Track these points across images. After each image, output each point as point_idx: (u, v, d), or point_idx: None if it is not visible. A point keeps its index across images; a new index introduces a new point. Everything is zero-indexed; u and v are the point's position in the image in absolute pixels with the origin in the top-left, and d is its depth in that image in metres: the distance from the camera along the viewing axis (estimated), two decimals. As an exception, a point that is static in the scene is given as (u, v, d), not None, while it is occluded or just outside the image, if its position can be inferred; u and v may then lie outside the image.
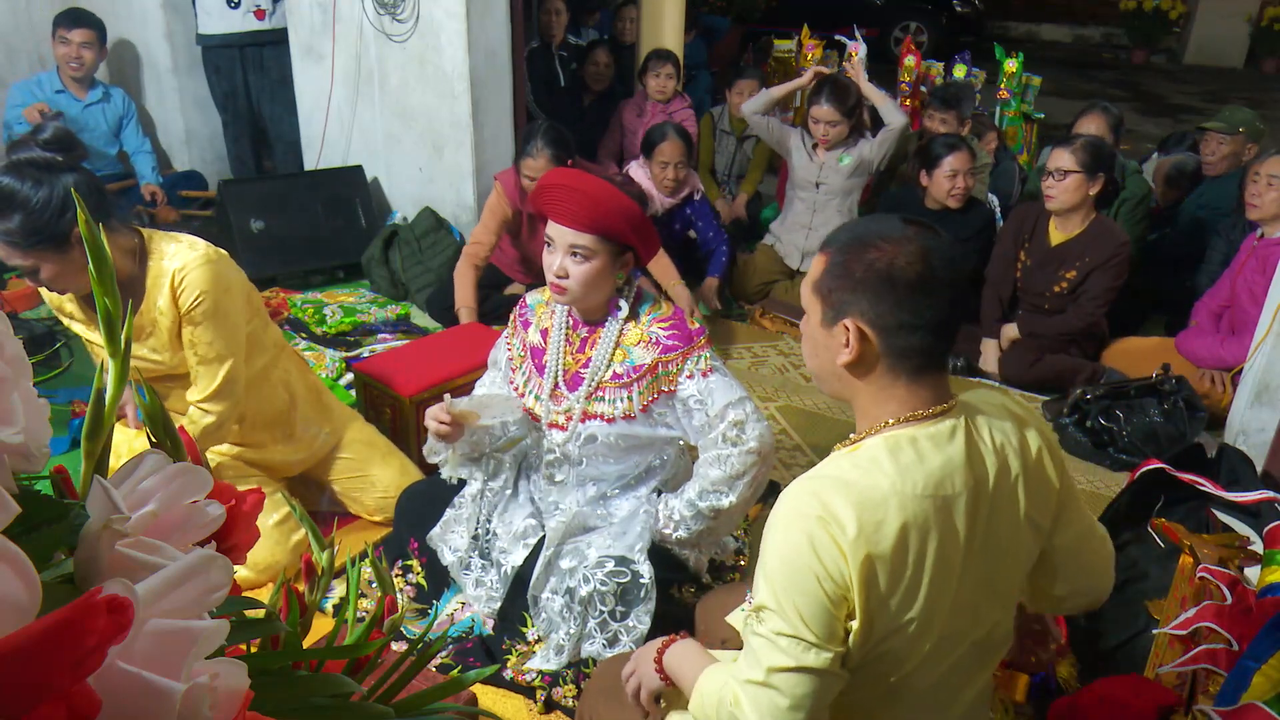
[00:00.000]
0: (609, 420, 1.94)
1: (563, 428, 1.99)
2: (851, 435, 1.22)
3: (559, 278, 1.86)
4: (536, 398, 2.02)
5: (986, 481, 1.16)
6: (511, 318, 2.13)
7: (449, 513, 2.16)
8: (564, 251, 1.85)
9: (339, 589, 2.21)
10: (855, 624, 1.10)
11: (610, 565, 1.93)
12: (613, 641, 1.94)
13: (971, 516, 1.14)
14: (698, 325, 1.96)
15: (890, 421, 1.17)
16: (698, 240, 4.13)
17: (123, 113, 4.44)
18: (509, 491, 2.15)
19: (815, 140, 4.03)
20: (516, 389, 2.07)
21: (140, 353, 2.06)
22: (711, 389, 1.88)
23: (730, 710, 1.15)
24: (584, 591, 1.93)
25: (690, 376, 1.89)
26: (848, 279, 1.16)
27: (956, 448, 1.15)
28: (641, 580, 1.93)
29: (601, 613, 1.94)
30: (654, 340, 1.92)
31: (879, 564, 1.08)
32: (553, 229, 1.87)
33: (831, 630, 1.09)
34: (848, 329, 1.16)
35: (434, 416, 1.95)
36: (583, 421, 1.97)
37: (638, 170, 3.99)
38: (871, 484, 1.10)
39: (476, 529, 2.13)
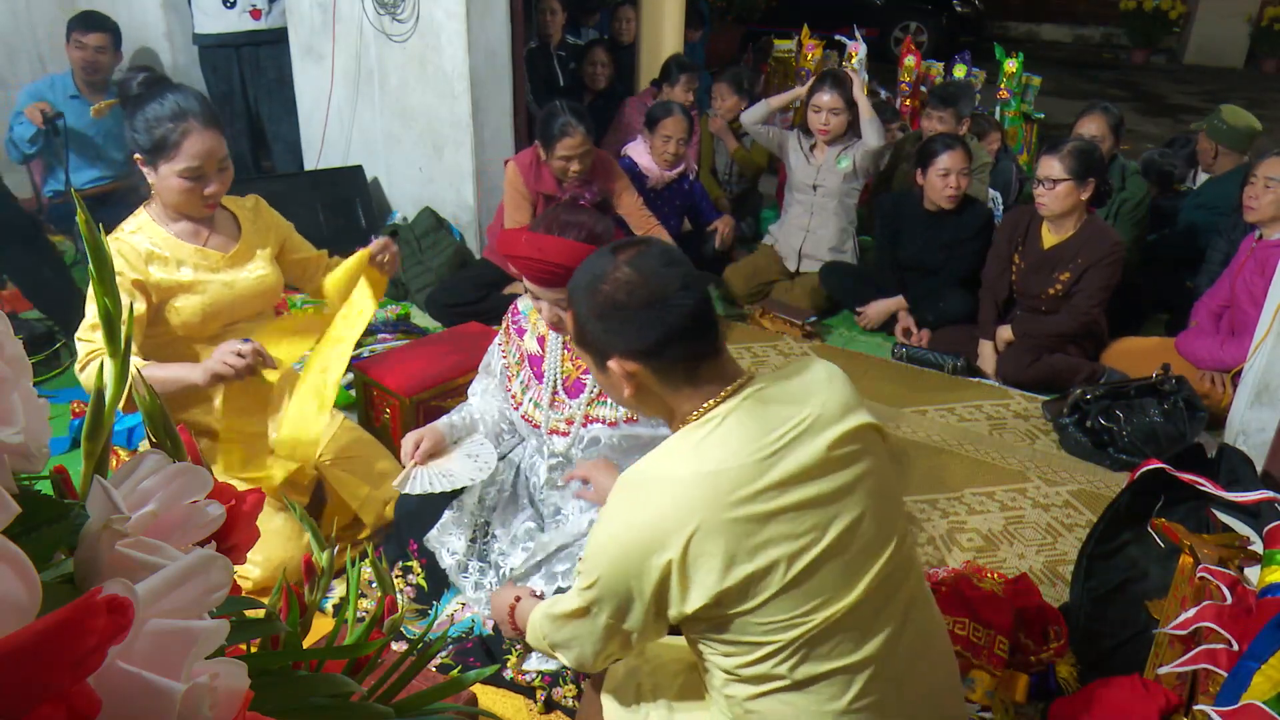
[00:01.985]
0: (611, 424, 1.96)
1: (564, 433, 2.01)
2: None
3: (553, 323, 1.91)
4: (535, 404, 2.03)
5: (796, 435, 1.22)
6: (504, 325, 2.13)
7: (447, 514, 2.16)
8: (549, 305, 1.89)
9: (339, 589, 2.20)
10: (683, 598, 1.18)
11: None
12: None
13: (790, 470, 1.19)
14: None
15: (689, 417, 1.26)
16: (701, 220, 4.28)
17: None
18: (507, 494, 2.15)
19: (814, 139, 4.03)
20: (514, 395, 2.08)
21: (255, 272, 2.27)
22: None
23: (543, 632, 1.39)
24: None
25: None
26: (593, 324, 1.26)
27: (751, 417, 1.22)
28: None
29: None
30: None
31: (690, 545, 1.15)
32: (532, 287, 1.89)
33: (645, 611, 1.21)
34: (615, 368, 1.26)
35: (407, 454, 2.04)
36: (584, 425, 1.98)
37: (638, 147, 4.07)
38: (672, 475, 1.20)
39: (475, 531, 2.13)
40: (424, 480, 2.00)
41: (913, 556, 1.33)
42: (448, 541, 2.14)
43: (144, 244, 2.13)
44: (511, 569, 2.05)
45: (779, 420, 1.22)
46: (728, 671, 1.25)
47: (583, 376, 1.99)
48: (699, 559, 1.16)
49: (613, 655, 1.34)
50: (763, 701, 1.23)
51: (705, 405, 1.25)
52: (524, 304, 2.12)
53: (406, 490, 2.00)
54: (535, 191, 3.54)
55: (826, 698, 1.21)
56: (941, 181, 3.65)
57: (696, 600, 1.17)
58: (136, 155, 2.09)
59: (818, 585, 1.19)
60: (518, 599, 1.65)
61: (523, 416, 2.06)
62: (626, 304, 1.23)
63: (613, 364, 1.26)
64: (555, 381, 2.01)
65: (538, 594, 1.76)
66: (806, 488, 1.20)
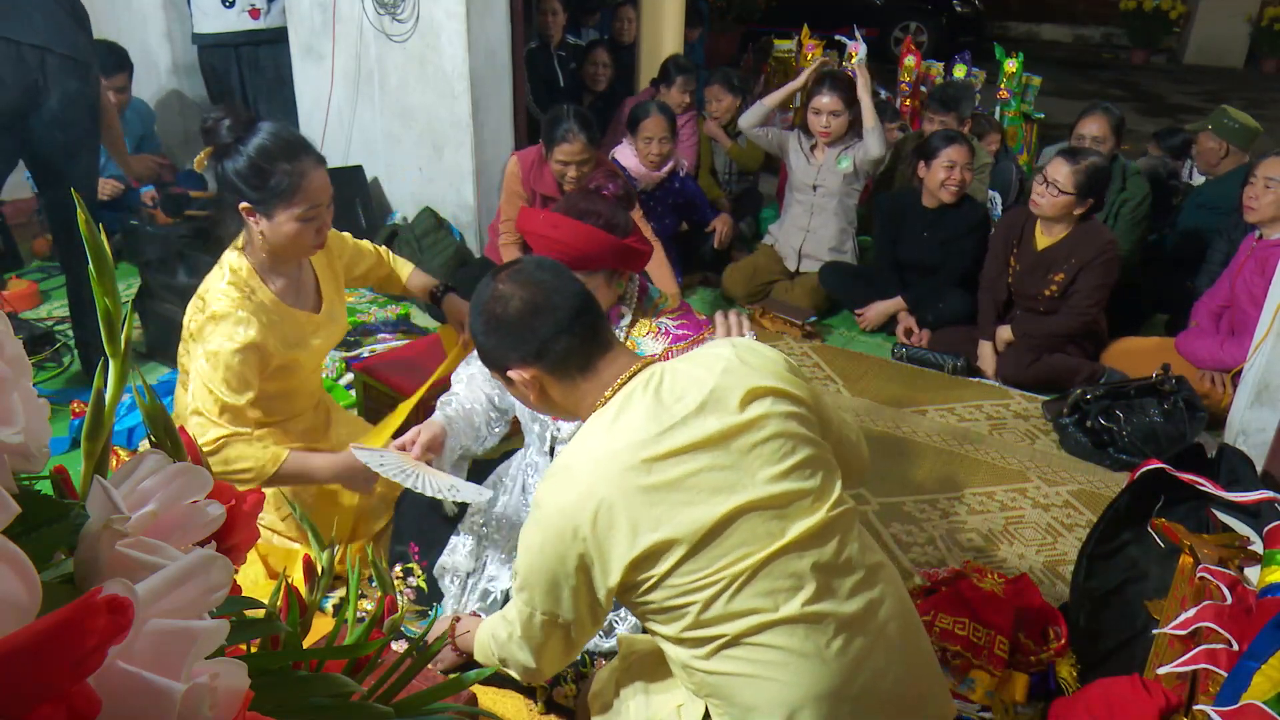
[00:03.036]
0: None
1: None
2: None
3: None
4: None
5: (697, 408, 1.26)
6: None
7: (454, 540, 2.15)
8: None
9: (339, 589, 2.20)
10: (604, 571, 1.24)
11: None
12: (608, 631, 1.95)
13: (697, 437, 1.24)
14: (704, 316, 1.98)
15: (595, 406, 1.33)
16: (697, 219, 4.29)
17: (142, 132, 4.47)
18: (512, 517, 2.16)
19: (814, 139, 4.03)
20: None
21: (335, 329, 2.24)
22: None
23: (489, 646, 1.45)
24: None
25: None
26: (487, 341, 1.38)
27: (648, 399, 1.28)
28: None
29: None
30: (664, 330, 1.96)
31: (597, 521, 1.21)
32: None
33: (572, 596, 1.27)
34: (514, 377, 1.37)
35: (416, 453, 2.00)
36: None
37: (624, 149, 4.05)
38: (573, 462, 1.27)
39: (479, 555, 2.13)
40: (430, 485, 1.96)
41: (848, 516, 1.33)
42: (457, 563, 2.13)
43: (264, 308, 2.00)
44: (503, 590, 2.05)
45: (680, 393, 1.28)
46: (674, 640, 1.29)
47: None
48: (609, 531, 1.22)
49: (556, 657, 1.38)
50: (713, 662, 1.26)
51: (605, 395, 1.32)
52: None
53: (410, 486, 1.95)
54: (533, 190, 3.55)
55: (769, 650, 1.23)
56: (945, 174, 3.65)
57: (615, 573, 1.23)
58: (244, 205, 1.94)
59: (731, 543, 1.22)
60: (456, 619, 1.74)
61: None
62: (506, 315, 1.35)
63: (512, 374, 1.37)
64: None
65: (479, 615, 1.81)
66: (702, 456, 1.24)
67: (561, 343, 1.33)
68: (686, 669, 1.31)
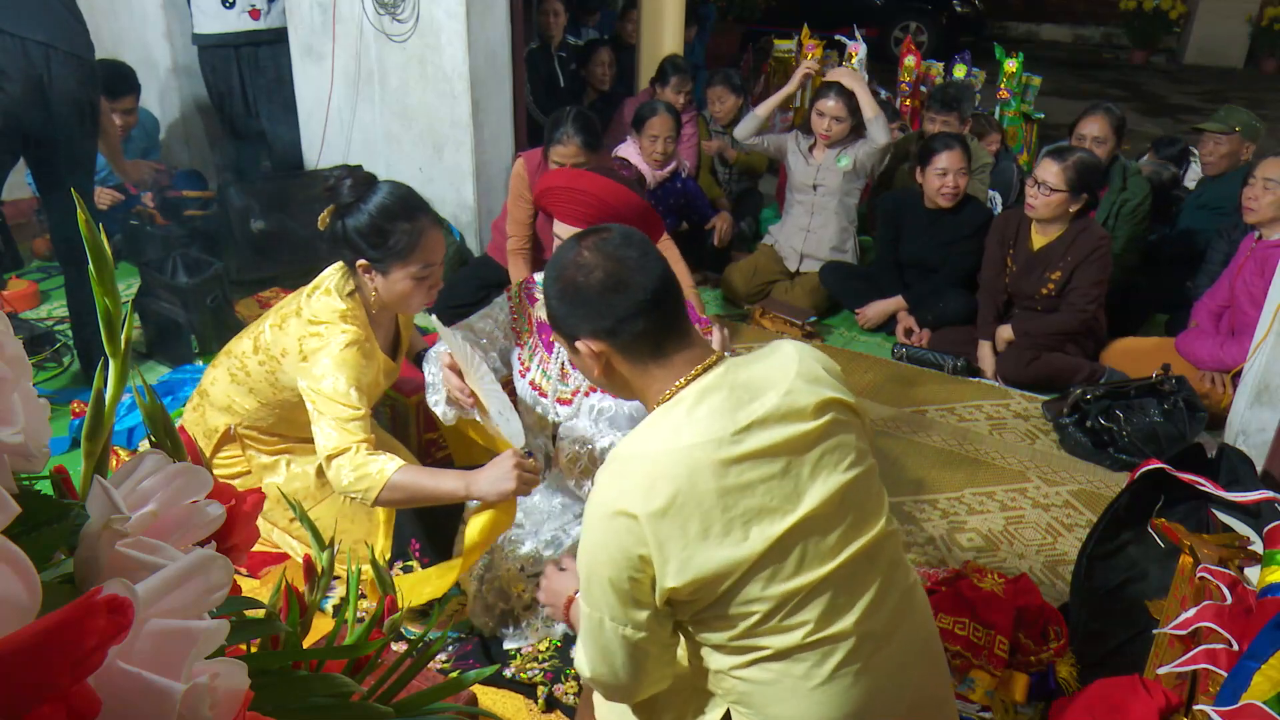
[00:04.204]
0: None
1: (568, 402, 2.03)
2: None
3: None
4: (544, 373, 2.05)
5: (770, 411, 1.22)
6: (517, 290, 2.15)
7: (462, 529, 2.16)
8: None
9: (339, 589, 2.20)
10: (664, 571, 1.17)
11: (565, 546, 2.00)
12: None
13: (765, 443, 1.21)
14: (706, 316, 1.99)
15: (664, 396, 1.29)
16: (696, 218, 4.31)
17: (145, 145, 4.47)
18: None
19: (814, 139, 4.03)
20: (522, 361, 2.09)
21: (399, 367, 2.28)
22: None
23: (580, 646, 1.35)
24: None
25: None
26: (560, 309, 1.33)
27: (725, 394, 1.23)
28: None
29: None
30: None
31: (666, 519, 1.16)
32: (560, 228, 1.91)
33: (635, 601, 1.20)
34: (583, 349, 1.32)
35: (448, 381, 1.93)
36: (587, 395, 2.00)
37: (627, 148, 4.07)
38: (645, 451, 1.22)
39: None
40: (496, 400, 1.89)
41: (896, 536, 1.32)
42: None
43: (367, 345, 2.04)
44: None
45: (750, 396, 1.24)
46: (715, 647, 1.26)
47: None
48: (679, 528, 1.17)
49: (640, 672, 1.26)
50: (750, 670, 1.24)
51: (676, 384, 1.28)
52: (540, 275, 2.14)
53: (484, 388, 1.88)
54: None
55: (810, 664, 1.22)
56: (939, 181, 3.66)
57: (675, 576, 1.17)
58: (361, 262, 1.98)
59: (795, 558, 1.20)
60: (576, 593, 1.59)
61: (530, 383, 2.07)
62: (586, 285, 1.29)
63: (580, 345, 1.32)
64: (564, 356, 2.03)
65: None
66: (777, 461, 1.21)
67: (638, 324, 1.28)
68: (718, 674, 1.28)
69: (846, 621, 1.22)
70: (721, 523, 1.17)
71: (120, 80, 4.14)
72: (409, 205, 1.98)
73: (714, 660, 1.27)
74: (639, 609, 1.21)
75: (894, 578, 1.29)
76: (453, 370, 1.94)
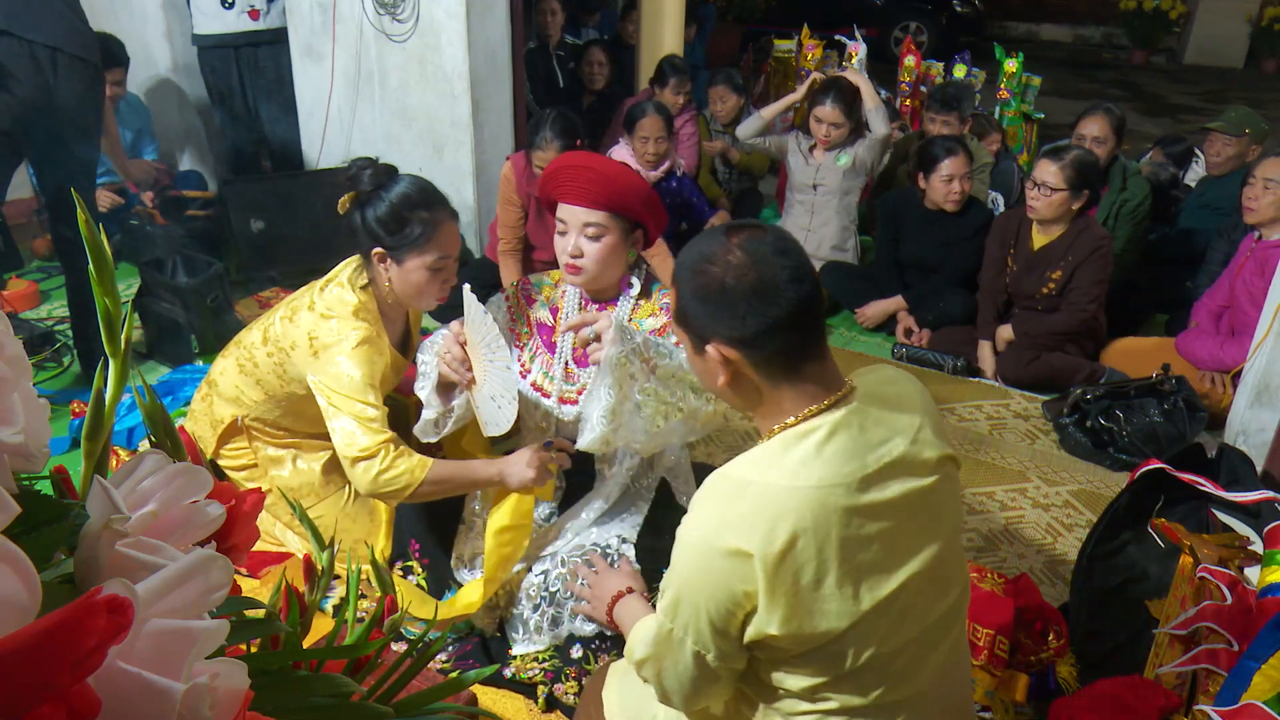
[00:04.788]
0: None
1: (573, 402, 2.01)
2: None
3: (574, 258, 1.88)
4: (546, 375, 2.03)
5: (894, 459, 1.18)
6: (514, 291, 2.14)
7: (461, 529, 2.16)
8: (577, 231, 1.88)
9: (339, 589, 2.20)
10: (768, 624, 1.11)
11: (585, 547, 1.99)
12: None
13: (884, 495, 1.16)
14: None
15: (788, 421, 1.19)
16: (694, 217, 4.28)
17: (138, 126, 4.47)
18: None
19: (814, 141, 4.03)
20: (522, 363, 2.08)
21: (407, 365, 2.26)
22: None
23: (635, 664, 1.29)
24: (555, 573, 1.97)
25: None
26: (695, 306, 1.20)
27: (854, 433, 1.17)
28: (609, 552, 1.96)
29: (570, 593, 1.97)
30: (664, 309, 1.97)
31: (783, 563, 1.10)
32: (564, 211, 1.89)
33: (722, 633, 1.14)
34: (714, 353, 1.20)
35: (448, 351, 1.89)
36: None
37: (621, 150, 4.07)
38: (768, 484, 1.13)
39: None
40: (501, 383, 1.87)
41: (967, 595, 1.31)
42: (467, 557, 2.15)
43: (380, 342, 2.05)
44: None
45: (880, 439, 1.18)
46: (789, 692, 1.20)
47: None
48: (788, 580, 1.10)
49: (702, 695, 1.24)
50: (809, 719, 1.21)
51: (807, 410, 1.18)
52: (537, 277, 2.13)
53: (495, 365, 1.85)
54: (526, 194, 3.55)
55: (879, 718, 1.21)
56: (945, 187, 3.66)
57: (779, 624, 1.11)
58: (377, 250, 1.99)
59: (892, 620, 1.17)
60: (627, 590, 1.57)
61: (532, 384, 2.06)
62: (733, 289, 1.16)
63: (711, 349, 1.20)
64: (567, 354, 2.02)
65: (646, 596, 1.73)
66: (894, 517, 1.16)
67: (779, 339, 1.16)
68: (772, 710, 1.24)
69: (914, 687, 1.21)
70: (836, 575, 1.12)
71: (109, 55, 4.14)
72: (429, 196, 2.00)
73: (778, 701, 1.23)
74: (727, 640, 1.16)
75: (959, 641, 1.29)
76: (459, 343, 1.92)
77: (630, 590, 1.69)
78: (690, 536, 1.16)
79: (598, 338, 1.76)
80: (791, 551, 1.09)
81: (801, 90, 4.30)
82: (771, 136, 4.21)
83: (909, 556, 1.17)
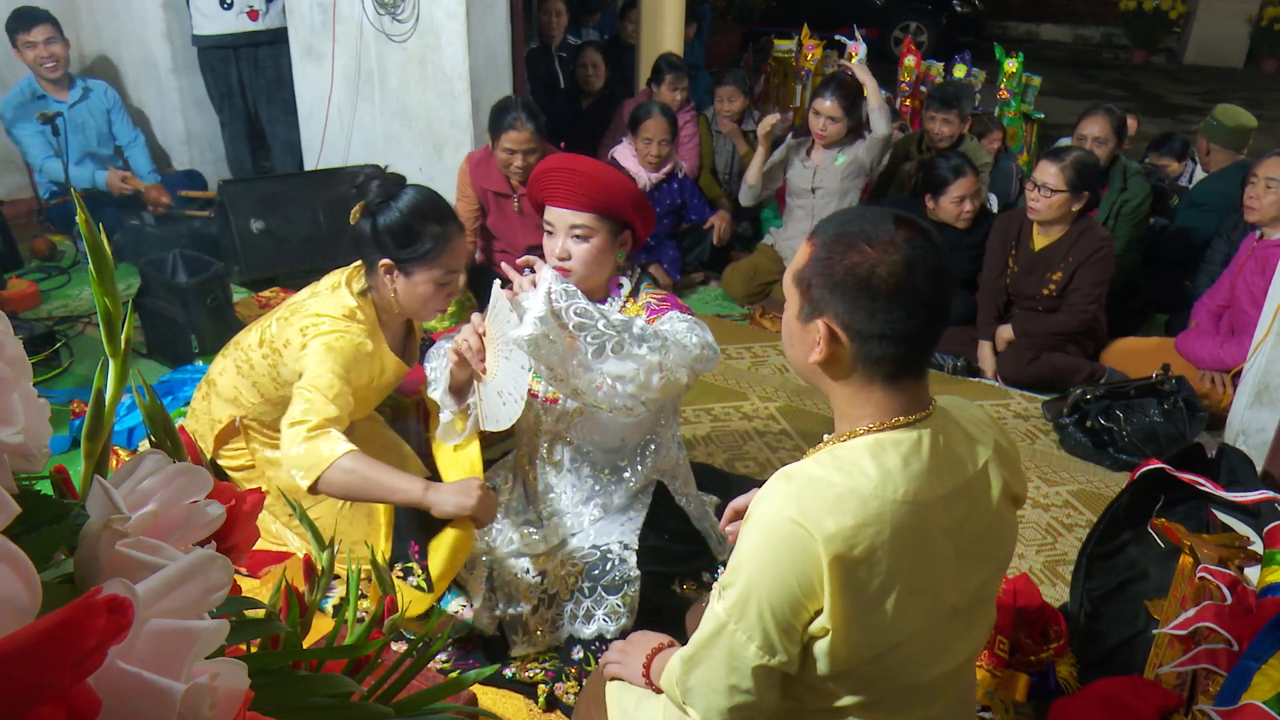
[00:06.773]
0: None
1: (555, 401, 2.02)
2: (826, 437, 1.21)
3: (562, 260, 1.89)
4: (535, 375, 2.04)
5: (964, 485, 1.17)
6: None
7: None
8: (564, 234, 1.88)
9: (339, 589, 2.20)
10: (828, 628, 1.09)
11: (585, 549, 1.99)
12: (588, 617, 1.97)
13: (952, 521, 1.15)
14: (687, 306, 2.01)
15: (871, 426, 1.15)
16: (693, 218, 4.32)
17: (108, 105, 4.42)
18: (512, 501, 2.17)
19: (810, 140, 4.02)
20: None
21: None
22: (675, 316, 1.89)
23: (677, 678, 1.21)
24: (554, 575, 1.99)
25: (668, 320, 1.89)
26: (827, 277, 1.12)
27: (936, 453, 1.14)
28: (609, 555, 1.97)
29: (571, 592, 1.98)
30: (647, 307, 1.97)
31: (857, 568, 1.07)
32: (551, 214, 1.89)
33: (787, 631, 1.10)
34: (821, 329, 1.13)
35: (465, 339, 1.87)
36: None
37: (623, 149, 4.09)
38: (853, 487, 1.09)
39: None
40: (511, 378, 1.86)
41: (991, 621, 1.31)
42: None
43: (365, 346, 2.02)
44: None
45: (955, 461, 1.17)
46: (824, 709, 1.19)
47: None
48: (867, 578, 1.08)
49: (748, 701, 1.15)
50: None
51: (893, 420, 1.15)
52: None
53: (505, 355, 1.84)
54: (481, 188, 3.56)
55: None
56: (956, 208, 3.65)
57: (837, 624, 1.08)
58: (385, 261, 1.98)
59: (938, 646, 1.17)
60: (664, 645, 1.46)
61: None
62: (879, 283, 1.09)
63: (821, 323, 1.13)
64: None
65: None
66: (958, 541, 1.15)
67: (895, 347, 1.12)
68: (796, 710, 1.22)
69: (936, 705, 1.23)
70: (901, 589, 1.10)
71: (26, 11, 4.12)
72: (440, 209, 2.00)
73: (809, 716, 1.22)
74: (791, 639, 1.11)
75: (973, 668, 1.31)
76: (478, 333, 1.89)
77: (663, 646, 1.50)
78: (764, 537, 1.10)
79: (532, 269, 1.76)
80: (868, 559, 1.07)
81: (762, 146, 4.10)
82: (774, 158, 4.12)
83: (958, 584, 1.17)
